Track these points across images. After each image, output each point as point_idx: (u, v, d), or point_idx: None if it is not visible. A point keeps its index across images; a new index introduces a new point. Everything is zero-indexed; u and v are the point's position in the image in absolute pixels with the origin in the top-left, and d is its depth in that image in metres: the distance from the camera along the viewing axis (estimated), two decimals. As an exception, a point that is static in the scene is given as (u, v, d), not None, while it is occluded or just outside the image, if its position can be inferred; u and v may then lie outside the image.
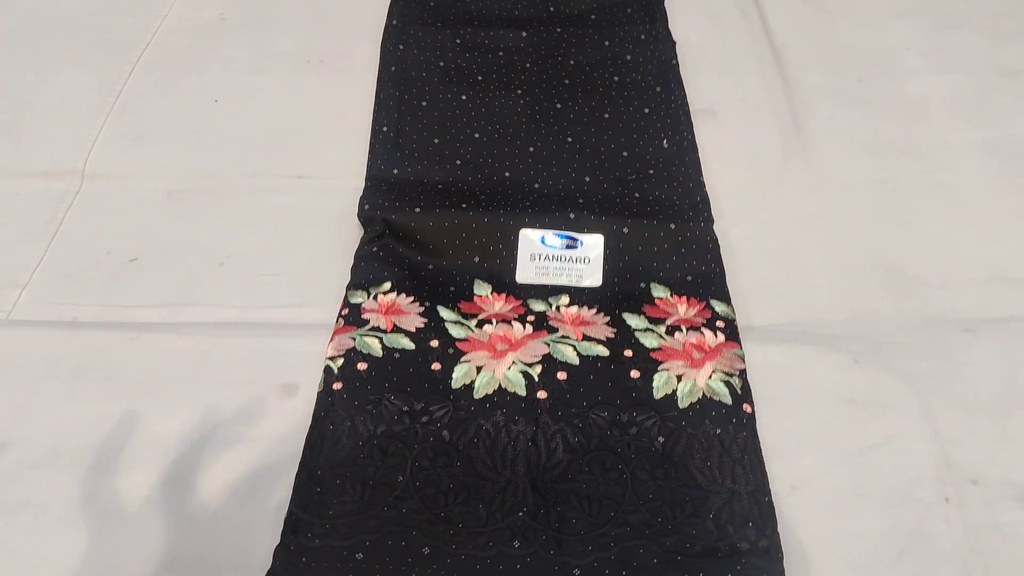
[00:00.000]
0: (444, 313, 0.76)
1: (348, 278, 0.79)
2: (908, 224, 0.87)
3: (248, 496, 0.66)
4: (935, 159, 0.93)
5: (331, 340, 0.74)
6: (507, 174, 0.87)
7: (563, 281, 0.79)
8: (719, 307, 0.77)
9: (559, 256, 0.80)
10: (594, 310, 0.77)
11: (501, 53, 1.01)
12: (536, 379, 0.71)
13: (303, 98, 1.00)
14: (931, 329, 0.78)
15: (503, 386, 0.71)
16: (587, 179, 0.87)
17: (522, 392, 0.70)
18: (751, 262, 0.83)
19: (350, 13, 1.11)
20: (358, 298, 0.77)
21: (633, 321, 0.75)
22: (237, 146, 0.94)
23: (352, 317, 0.75)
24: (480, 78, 0.98)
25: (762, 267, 0.83)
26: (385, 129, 0.92)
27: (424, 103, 0.95)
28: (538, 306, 0.77)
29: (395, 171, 0.87)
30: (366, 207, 0.84)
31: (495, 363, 0.72)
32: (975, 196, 0.90)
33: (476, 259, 0.81)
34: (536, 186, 0.86)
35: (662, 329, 0.75)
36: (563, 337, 0.74)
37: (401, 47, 1.01)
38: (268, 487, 0.66)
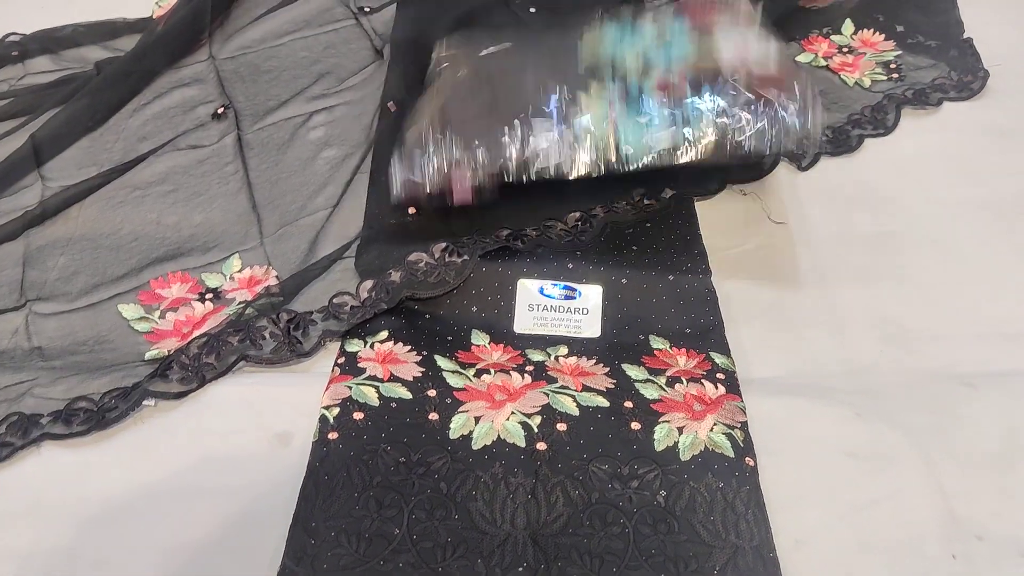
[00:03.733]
0: (442, 362, 0.75)
1: (344, 326, 0.78)
2: (904, 279, 0.87)
3: (240, 548, 0.64)
4: (928, 214, 0.94)
5: (327, 389, 0.73)
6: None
7: (562, 331, 0.78)
8: (719, 359, 0.76)
9: (558, 307, 0.80)
10: (593, 360, 0.76)
11: None
12: (535, 430, 0.70)
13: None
14: (931, 383, 0.77)
15: (502, 437, 0.69)
16: None
17: (521, 443, 0.69)
18: (748, 315, 0.82)
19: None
20: (354, 347, 0.76)
21: (633, 372, 0.75)
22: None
23: (348, 366, 0.74)
24: None
25: (759, 320, 0.82)
26: (383, 178, 0.92)
27: None
28: (537, 356, 0.76)
29: (392, 221, 0.87)
30: (363, 255, 0.83)
31: (493, 413, 0.71)
32: (971, 251, 0.90)
33: (474, 309, 0.80)
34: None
35: (662, 380, 0.74)
36: (562, 387, 0.73)
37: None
38: (261, 539, 0.64)
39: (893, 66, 1.12)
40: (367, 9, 1.19)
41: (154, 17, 1.16)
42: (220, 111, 1.01)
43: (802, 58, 1.13)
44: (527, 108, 0.83)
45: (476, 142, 0.81)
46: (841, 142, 1.01)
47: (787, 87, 0.80)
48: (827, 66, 1.12)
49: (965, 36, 1.16)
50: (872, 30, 1.17)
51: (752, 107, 0.80)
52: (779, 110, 0.80)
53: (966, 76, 1.10)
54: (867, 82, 1.10)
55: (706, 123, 0.80)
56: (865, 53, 1.14)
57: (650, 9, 0.94)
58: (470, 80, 0.88)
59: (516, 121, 0.82)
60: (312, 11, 1.15)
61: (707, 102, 0.81)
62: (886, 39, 1.16)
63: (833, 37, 1.17)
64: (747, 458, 0.68)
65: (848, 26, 1.18)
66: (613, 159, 0.82)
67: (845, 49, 1.15)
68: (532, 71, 0.86)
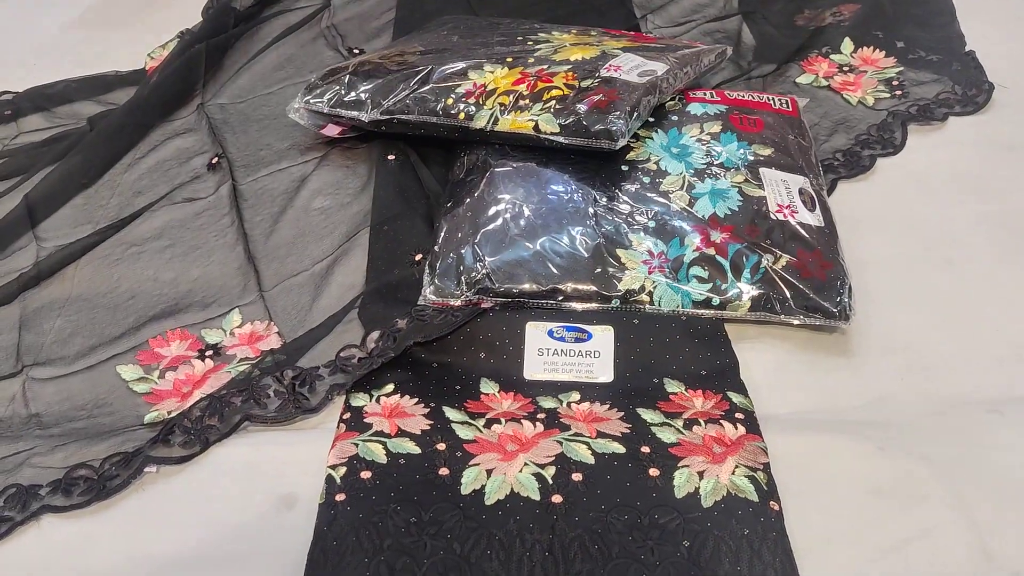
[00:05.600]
0: (450, 414, 0.73)
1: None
2: (920, 303, 0.85)
3: (247, 621, 0.62)
4: (942, 234, 0.92)
5: (332, 447, 0.70)
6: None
7: (573, 377, 0.76)
8: (737, 399, 0.74)
9: (568, 350, 0.77)
10: (607, 406, 0.74)
11: None
12: (550, 481, 0.68)
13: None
14: (954, 412, 0.75)
15: (515, 490, 0.67)
16: None
17: (535, 496, 0.67)
18: (762, 349, 0.81)
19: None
20: (360, 401, 0.74)
21: (648, 416, 0.72)
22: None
23: (354, 421, 0.72)
24: None
25: (773, 354, 0.80)
26: (386, 228, 0.91)
27: None
28: (548, 403, 0.74)
29: (395, 271, 0.86)
30: (368, 306, 0.81)
31: (506, 465, 0.69)
32: (987, 271, 0.88)
33: (482, 355, 0.78)
34: None
35: (679, 423, 0.72)
36: (576, 435, 0.71)
37: None
38: (269, 610, 0.62)
39: (896, 83, 1.11)
40: (356, 52, 1.18)
41: (147, 70, 1.16)
42: (214, 161, 1.00)
43: (803, 79, 1.12)
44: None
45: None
46: (854, 164, 1.00)
47: (828, 284, 0.80)
48: (828, 86, 1.11)
49: (967, 49, 1.15)
50: (872, 47, 1.16)
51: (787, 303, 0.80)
52: (811, 295, 0.80)
53: (970, 90, 1.09)
54: (870, 100, 1.08)
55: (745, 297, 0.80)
56: (866, 71, 1.13)
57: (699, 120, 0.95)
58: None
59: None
60: (301, 54, 1.14)
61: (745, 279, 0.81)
62: (887, 56, 1.15)
63: (833, 56, 1.15)
64: (772, 502, 0.65)
65: (847, 44, 1.17)
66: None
67: (846, 68, 1.14)
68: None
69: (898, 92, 1.09)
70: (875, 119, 1.05)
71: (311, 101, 0.97)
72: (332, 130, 0.99)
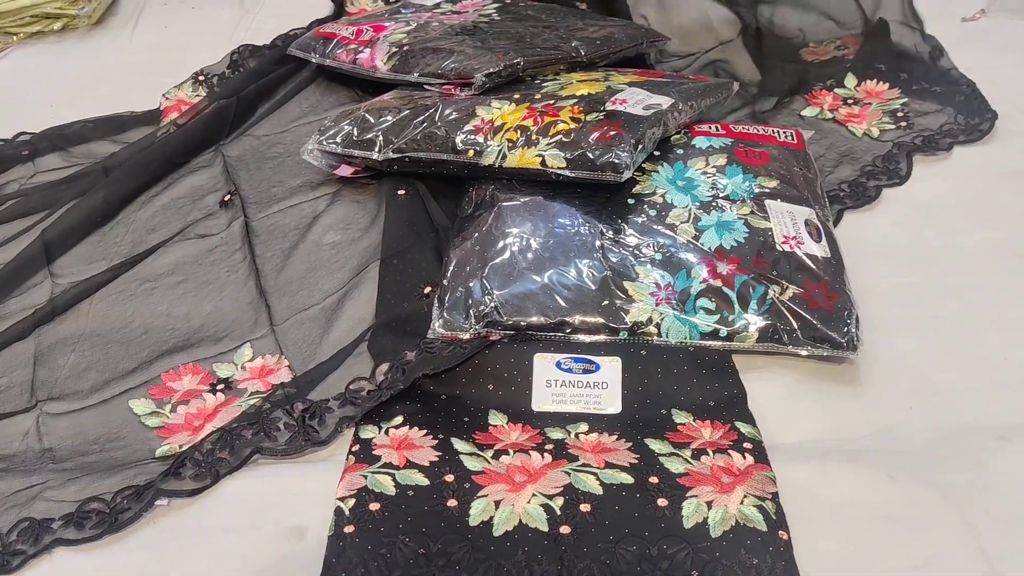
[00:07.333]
0: (459, 445, 0.73)
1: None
2: (928, 330, 0.85)
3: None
4: (948, 262, 0.92)
5: (341, 479, 0.71)
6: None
7: (581, 408, 0.76)
8: (745, 428, 0.74)
9: (576, 381, 0.78)
10: (615, 436, 0.74)
11: None
12: (558, 512, 0.68)
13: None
14: (962, 438, 0.75)
15: (523, 521, 0.67)
16: None
17: (544, 527, 0.67)
18: (769, 378, 0.81)
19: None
20: (369, 433, 0.75)
21: (657, 446, 0.72)
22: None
23: (363, 453, 0.73)
24: None
25: (780, 382, 0.80)
26: (396, 262, 0.92)
27: None
28: (556, 434, 0.74)
29: (405, 304, 0.86)
30: (377, 339, 0.82)
31: (514, 496, 0.69)
32: (992, 297, 0.88)
33: (490, 387, 0.78)
34: None
35: (687, 453, 0.72)
36: (584, 465, 0.71)
37: None
38: (278, 643, 0.62)
39: (900, 114, 1.12)
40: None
41: (162, 110, 1.18)
42: (227, 198, 1.02)
43: (807, 112, 1.13)
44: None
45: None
46: (860, 195, 1.00)
47: (835, 314, 0.80)
48: (834, 118, 1.12)
49: (968, 79, 1.16)
50: (876, 80, 1.17)
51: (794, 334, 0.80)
52: (818, 326, 0.80)
53: (974, 119, 1.10)
54: (875, 132, 1.09)
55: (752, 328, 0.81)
56: (871, 103, 1.14)
57: (705, 154, 0.96)
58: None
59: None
60: (317, 96, 1.16)
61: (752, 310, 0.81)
62: (891, 87, 1.16)
63: (837, 89, 1.17)
64: (780, 531, 0.65)
65: (851, 78, 1.18)
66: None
67: (850, 100, 1.15)
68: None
69: (903, 123, 1.10)
70: (880, 150, 1.06)
71: (324, 142, 0.99)
72: (345, 170, 1.00)
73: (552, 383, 0.78)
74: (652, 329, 0.81)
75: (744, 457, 0.71)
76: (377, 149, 0.96)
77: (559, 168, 0.88)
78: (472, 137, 0.93)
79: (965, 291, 0.89)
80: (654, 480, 0.70)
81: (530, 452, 0.73)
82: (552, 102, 0.95)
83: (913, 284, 0.90)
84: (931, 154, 1.06)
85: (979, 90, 1.13)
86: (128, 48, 1.36)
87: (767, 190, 0.91)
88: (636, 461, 0.71)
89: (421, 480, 0.70)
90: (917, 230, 0.97)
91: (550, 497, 0.69)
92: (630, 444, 0.73)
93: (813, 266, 0.83)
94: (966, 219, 0.98)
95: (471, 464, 0.72)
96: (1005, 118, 1.10)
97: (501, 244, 0.86)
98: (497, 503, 0.69)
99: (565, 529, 0.66)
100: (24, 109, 1.22)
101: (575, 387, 0.78)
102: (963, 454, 0.73)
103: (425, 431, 0.75)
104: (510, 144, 0.91)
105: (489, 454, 0.73)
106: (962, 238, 0.95)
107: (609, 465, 0.71)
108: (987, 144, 1.08)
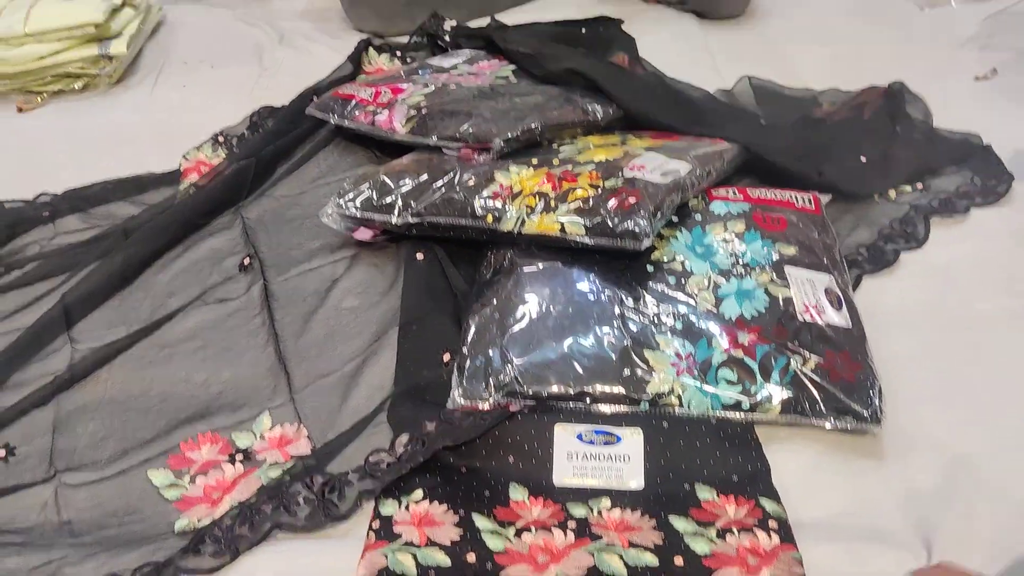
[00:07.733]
0: (480, 522, 0.73)
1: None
2: (951, 398, 0.84)
3: None
4: (970, 328, 0.92)
5: (362, 557, 0.70)
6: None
7: (603, 483, 0.76)
8: (769, 506, 0.73)
9: (597, 454, 0.77)
10: (638, 513, 0.73)
11: None
12: (582, 594, 0.67)
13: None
14: (996, 514, 0.73)
15: (547, 604, 0.66)
16: None
17: (568, 609, 0.66)
18: (792, 449, 0.80)
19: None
20: (389, 508, 0.74)
21: (681, 525, 0.72)
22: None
23: (384, 531, 0.72)
24: None
25: (804, 455, 0.79)
26: (415, 328, 0.91)
27: None
28: (579, 511, 0.74)
29: (424, 372, 0.86)
30: (396, 409, 0.82)
31: (537, 577, 0.68)
32: (1016, 363, 0.87)
33: (511, 459, 0.78)
34: None
35: (712, 532, 0.71)
36: (608, 545, 0.70)
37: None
38: None
39: (916, 176, 1.11)
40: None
41: (182, 171, 1.19)
42: (246, 262, 1.02)
43: (823, 173, 1.13)
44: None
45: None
46: (878, 259, 1.00)
47: (858, 386, 0.80)
48: (850, 180, 1.12)
49: (984, 143, 1.16)
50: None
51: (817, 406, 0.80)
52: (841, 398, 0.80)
53: (990, 180, 1.10)
54: (892, 194, 1.09)
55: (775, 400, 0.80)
56: (887, 165, 1.13)
57: (723, 219, 0.97)
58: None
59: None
60: (335, 157, 1.17)
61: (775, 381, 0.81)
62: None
63: (853, 150, 1.16)
64: (808, 616, 0.64)
65: (867, 142, 1.18)
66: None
67: (867, 163, 1.14)
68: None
69: (919, 185, 1.10)
70: (897, 213, 1.06)
71: (343, 205, 0.99)
72: (364, 234, 1.00)
73: (573, 456, 0.78)
74: (674, 400, 0.80)
75: (770, 537, 0.70)
76: (396, 213, 0.97)
77: (579, 235, 0.88)
78: (491, 203, 0.93)
79: (987, 357, 0.88)
80: (679, 562, 0.69)
81: (552, 530, 0.72)
82: (570, 167, 0.95)
83: (934, 350, 0.89)
84: (948, 216, 1.06)
85: (995, 152, 1.14)
86: (148, 107, 1.37)
87: (786, 257, 0.91)
88: (661, 542, 0.70)
89: (443, 560, 0.69)
90: (936, 295, 0.96)
91: (574, 578, 0.68)
92: (654, 522, 0.72)
93: (834, 336, 0.83)
94: (984, 284, 0.97)
95: (493, 543, 0.71)
96: (1021, 179, 1.10)
97: (520, 311, 0.86)
98: (520, 584, 0.68)
99: (590, 612, 0.66)
100: (46, 167, 1.22)
101: (597, 460, 0.77)
102: (993, 527, 0.72)
103: (446, 506, 0.74)
104: (529, 210, 0.91)
105: (511, 532, 0.72)
106: (982, 303, 0.95)
107: (633, 545, 0.70)
108: (1004, 206, 1.07)
